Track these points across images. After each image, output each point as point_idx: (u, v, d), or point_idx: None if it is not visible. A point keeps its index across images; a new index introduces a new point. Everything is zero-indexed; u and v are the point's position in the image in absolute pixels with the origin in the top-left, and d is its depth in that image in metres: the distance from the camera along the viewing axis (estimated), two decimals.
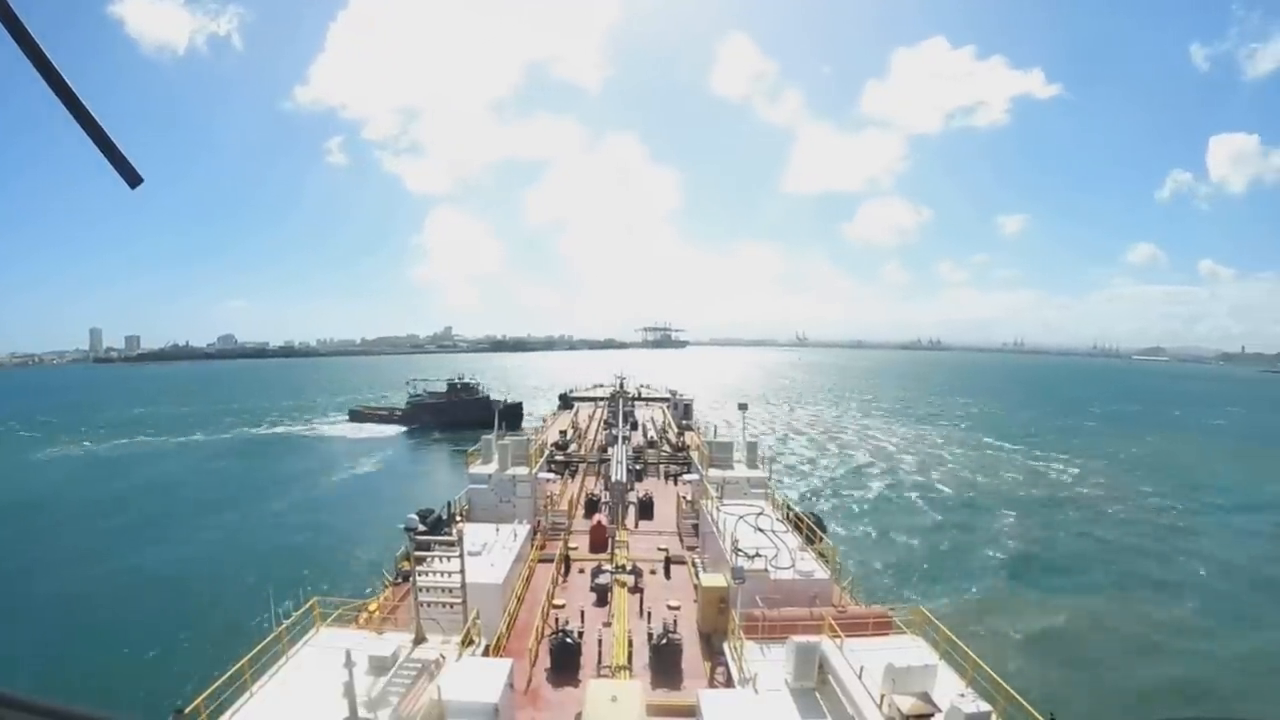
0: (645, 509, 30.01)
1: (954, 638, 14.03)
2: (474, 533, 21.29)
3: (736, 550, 18.19)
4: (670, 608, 19.73)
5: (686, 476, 32.63)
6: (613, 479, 28.97)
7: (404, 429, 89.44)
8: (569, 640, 16.72)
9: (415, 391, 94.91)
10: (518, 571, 20.88)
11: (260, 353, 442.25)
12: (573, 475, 37.12)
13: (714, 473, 27.64)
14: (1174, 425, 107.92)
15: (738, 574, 15.92)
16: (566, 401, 75.09)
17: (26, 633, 27.67)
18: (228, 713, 11.78)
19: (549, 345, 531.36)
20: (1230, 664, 26.43)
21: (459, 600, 15.61)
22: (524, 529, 22.75)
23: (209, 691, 11.59)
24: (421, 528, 25.18)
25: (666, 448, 43.44)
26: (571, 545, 25.24)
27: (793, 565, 18.23)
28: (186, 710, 11.21)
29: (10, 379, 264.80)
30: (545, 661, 16.76)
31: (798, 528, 22.27)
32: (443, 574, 16.05)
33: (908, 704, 11.61)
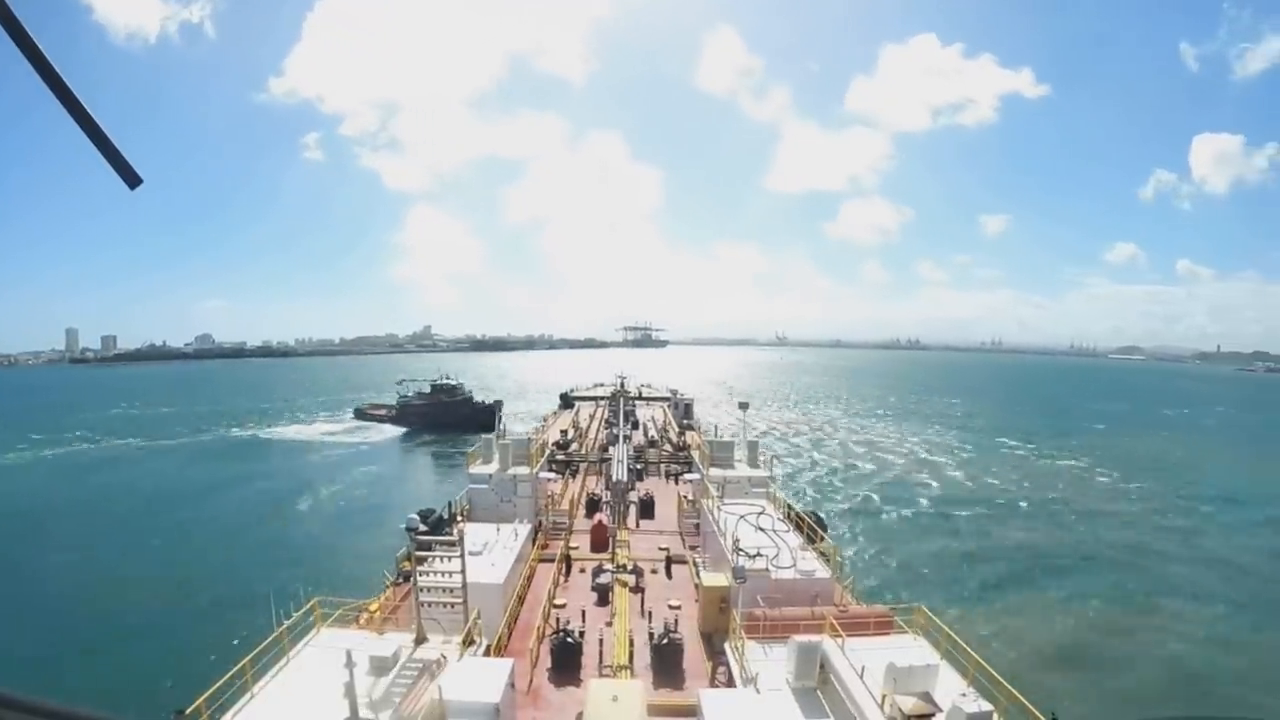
0: (646, 508, 29.97)
1: (955, 637, 14.04)
2: (475, 532, 21.26)
3: (738, 550, 18.16)
4: (671, 607, 19.70)
5: (687, 476, 32.66)
6: (614, 478, 28.85)
7: (401, 430, 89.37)
8: (570, 640, 16.71)
9: (405, 392, 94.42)
10: (519, 571, 20.87)
11: (238, 352, 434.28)
12: (574, 475, 37.07)
13: (715, 472, 27.63)
14: (1165, 424, 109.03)
15: (739, 573, 15.89)
16: (567, 401, 75.01)
17: (26, 633, 27.64)
18: (229, 713, 11.76)
19: (529, 344, 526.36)
20: (1231, 664, 26.45)
21: (460, 600, 15.57)
22: (525, 529, 22.74)
23: (210, 692, 11.59)
24: (422, 528, 25.02)
25: (668, 447, 43.47)
26: (572, 545, 25.22)
27: (794, 565, 18.21)
28: (187, 711, 11.21)
29: None
30: (546, 661, 16.74)
31: (799, 527, 22.25)
32: (444, 574, 16.00)
33: (909, 704, 11.61)
